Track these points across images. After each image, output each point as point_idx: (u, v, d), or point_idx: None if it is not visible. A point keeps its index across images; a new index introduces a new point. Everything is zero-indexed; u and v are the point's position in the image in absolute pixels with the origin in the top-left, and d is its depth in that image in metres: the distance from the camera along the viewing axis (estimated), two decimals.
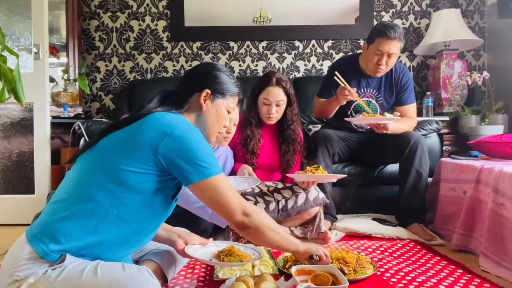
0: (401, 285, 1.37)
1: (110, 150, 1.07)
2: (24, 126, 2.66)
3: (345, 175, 1.95)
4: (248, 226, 1.12)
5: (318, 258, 1.30)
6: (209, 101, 1.22)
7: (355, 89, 2.07)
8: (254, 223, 1.12)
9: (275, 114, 2.07)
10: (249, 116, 2.12)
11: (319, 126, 2.77)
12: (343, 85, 2.06)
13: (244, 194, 1.95)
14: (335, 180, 1.99)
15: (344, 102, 2.12)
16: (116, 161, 1.04)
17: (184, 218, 1.51)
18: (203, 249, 1.33)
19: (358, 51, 3.26)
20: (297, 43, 3.28)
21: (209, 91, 1.21)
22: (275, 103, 2.05)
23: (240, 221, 1.11)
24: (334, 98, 2.14)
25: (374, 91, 2.29)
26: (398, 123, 2.11)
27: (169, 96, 1.22)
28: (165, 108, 1.17)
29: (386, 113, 2.10)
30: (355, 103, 2.24)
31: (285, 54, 3.29)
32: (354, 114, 2.30)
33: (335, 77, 2.06)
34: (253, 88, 2.14)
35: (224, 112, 1.26)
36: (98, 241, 1.03)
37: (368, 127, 2.21)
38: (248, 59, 3.28)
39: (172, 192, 1.14)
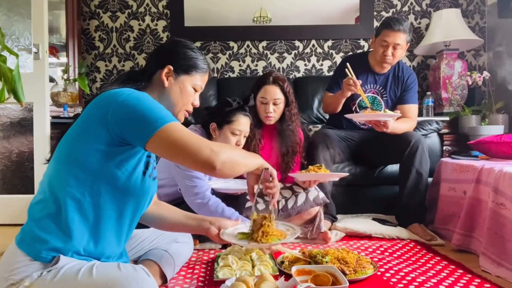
0: (401, 285, 1.36)
1: (69, 138, 1.05)
2: (24, 126, 2.66)
3: (347, 174, 1.95)
4: (223, 161, 0.99)
5: (267, 176, 1.22)
6: (172, 77, 1.18)
7: (360, 82, 2.09)
8: (227, 156, 1.00)
9: (273, 113, 2.05)
10: None
11: (319, 126, 2.77)
12: (350, 75, 2.08)
13: (243, 194, 1.95)
14: (337, 179, 1.98)
15: (349, 94, 2.14)
16: (76, 146, 1.02)
17: None
18: (236, 231, 1.29)
19: (358, 51, 3.26)
20: (297, 43, 3.28)
21: (171, 67, 1.17)
22: (272, 101, 2.04)
23: (210, 158, 0.97)
24: (340, 90, 2.17)
25: (380, 87, 2.31)
26: (397, 123, 2.11)
27: (133, 76, 1.19)
28: (121, 86, 1.12)
29: (387, 110, 2.10)
30: (359, 98, 2.26)
31: (285, 54, 3.29)
32: (358, 110, 2.31)
33: (346, 69, 2.08)
34: (251, 89, 2.13)
35: (189, 89, 1.20)
36: (81, 233, 1.01)
37: (369, 125, 2.21)
38: (248, 59, 3.28)
39: (141, 167, 1.09)
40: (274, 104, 2.05)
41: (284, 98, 2.07)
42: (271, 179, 1.23)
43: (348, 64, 2.09)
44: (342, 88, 2.14)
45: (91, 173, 1.01)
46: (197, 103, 1.25)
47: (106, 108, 1.00)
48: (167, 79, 1.18)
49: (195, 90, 1.23)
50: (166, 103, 1.15)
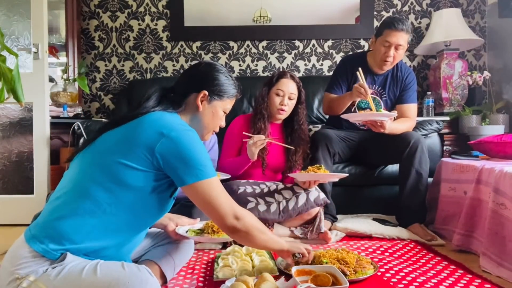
0: (402, 285, 1.36)
1: (108, 148, 1.07)
2: (24, 126, 2.65)
3: (347, 174, 1.94)
4: (239, 230, 1.12)
5: (301, 256, 1.32)
6: (206, 102, 1.23)
7: (372, 91, 2.07)
8: (245, 226, 1.12)
9: (287, 107, 2.08)
10: (261, 108, 2.11)
11: (319, 126, 2.76)
12: (361, 81, 2.05)
13: (245, 195, 1.95)
14: (337, 180, 1.98)
15: (358, 99, 2.14)
16: (114, 159, 1.04)
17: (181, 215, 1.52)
18: (192, 227, 1.42)
19: (358, 51, 3.25)
20: (297, 42, 3.28)
21: (206, 92, 1.22)
22: (288, 95, 2.07)
23: (231, 225, 1.11)
24: (349, 93, 2.14)
25: (379, 88, 2.30)
26: (396, 123, 2.11)
27: (167, 95, 1.23)
28: (162, 108, 1.18)
29: (382, 110, 2.09)
30: (358, 99, 2.25)
31: (285, 54, 3.28)
32: (357, 111, 2.30)
33: (357, 73, 2.06)
34: (265, 82, 2.16)
35: (220, 113, 1.27)
36: (97, 240, 1.04)
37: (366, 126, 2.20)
38: (248, 59, 3.28)
39: (169, 190, 1.14)
40: (289, 98, 2.08)
41: (297, 96, 2.11)
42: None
43: (360, 69, 2.07)
44: (352, 92, 2.09)
45: (122, 188, 1.04)
46: (223, 124, 1.31)
47: (155, 137, 1.05)
48: (201, 103, 1.22)
49: (224, 113, 1.29)
50: (197, 125, 1.22)
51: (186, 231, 1.39)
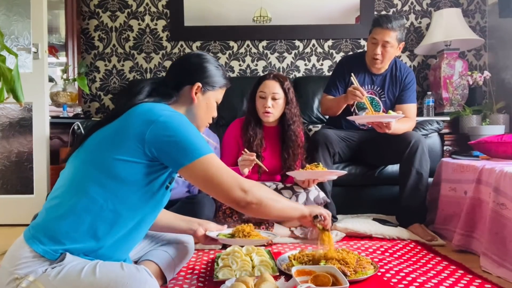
0: (402, 285, 1.36)
1: (100, 144, 1.06)
2: (23, 126, 2.65)
3: (345, 172, 1.94)
4: (249, 202, 1.06)
5: (322, 218, 1.29)
6: (200, 94, 1.23)
7: (367, 93, 2.07)
8: (255, 198, 1.06)
9: (271, 109, 2.02)
10: (248, 114, 2.11)
11: (319, 126, 2.76)
12: (355, 84, 2.06)
13: None
14: (335, 178, 1.97)
15: (352, 102, 2.14)
16: (107, 154, 1.03)
17: (184, 212, 1.51)
18: (222, 232, 1.41)
19: (358, 51, 3.25)
20: (297, 42, 3.28)
21: (200, 84, 1.21)
22: (271, 95, 2.02)
23: (239, 197, 1.05)
24: (343, 96, 2.14)
25: (378, 88, 2.30)
26: (398, 123, 2.10)
27: (158, 88, 1.21)
28: (153, 100, 1.16)
29: (390, 111, 2.08)
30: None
31: (285, 54, 3.28)
32: (357, 111, 2.30)
33: (351, 78, 2.07)
34: (252, 87, 2.13)
35: (213, 104, 1.27)
36: (96, 237, 1.03)
37: (370, 125, 2.20)
38: (248, 59, 3.27)
39: (165, 182, 1.13)
40: (273, 99, 2.02)
41: (283, 96, 2.04)
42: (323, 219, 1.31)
43: (353, 74, 2.08)
44: (346, 93, 2.10)
45: (118, 183, 1.03)
46: (216, 115, 1.30)
47: (144, 125, 1.03)
48: (196, 96, 1.22)
49: (217, 103, 1.29)
50: (191, 117, 1.20)
51: (217, 235, 1.37)
